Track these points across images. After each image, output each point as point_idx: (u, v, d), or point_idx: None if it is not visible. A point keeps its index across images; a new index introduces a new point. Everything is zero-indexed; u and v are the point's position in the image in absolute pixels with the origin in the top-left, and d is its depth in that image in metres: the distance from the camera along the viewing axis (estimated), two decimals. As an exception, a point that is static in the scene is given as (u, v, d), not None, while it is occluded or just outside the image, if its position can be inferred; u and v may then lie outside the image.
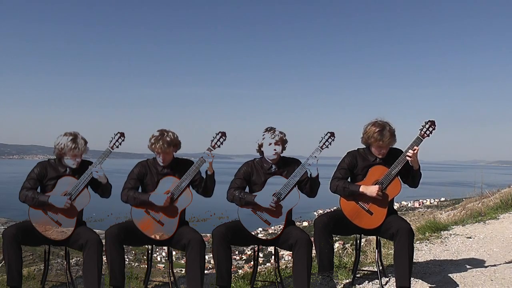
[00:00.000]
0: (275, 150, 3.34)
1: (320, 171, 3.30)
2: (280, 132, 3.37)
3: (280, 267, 3.46)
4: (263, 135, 3.37)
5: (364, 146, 3.53)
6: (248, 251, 17.19)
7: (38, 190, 3.39)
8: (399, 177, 3.39)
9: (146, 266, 3.50)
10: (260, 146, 3.40)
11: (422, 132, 3.35)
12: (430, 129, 3.36)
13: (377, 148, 3.40)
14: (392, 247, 3.40)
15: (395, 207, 3.67)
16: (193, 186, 3.38)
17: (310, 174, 3.28)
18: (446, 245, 5.07)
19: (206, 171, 3.33)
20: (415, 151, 3.31)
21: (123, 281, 3.24)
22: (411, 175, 3.43)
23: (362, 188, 3.33)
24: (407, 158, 3.31)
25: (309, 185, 3.32)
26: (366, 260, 4.51)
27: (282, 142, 3.38)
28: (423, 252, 4.76)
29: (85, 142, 3.36)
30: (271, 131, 3.36)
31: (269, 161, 3.39)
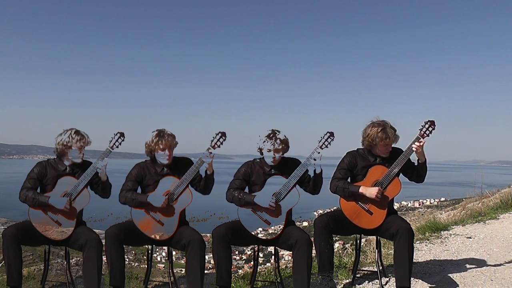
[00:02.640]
0: (273, 157, 3.31)
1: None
2: (282, 141, 3.29)
3: (280, 267, 3.46)
4: (264, 140, 3.30)
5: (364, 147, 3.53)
6: (248, 251, 17.19)
7: (38, 190, 3.39)
8: (399, 177, 3.39)
9: (146, 266, 3.50)
10: (260, 149, 3.37)
11: (422, 132, 3.35)
12: (430, 129, 3.36)
13: (384, 147, 3.38)
14: (392, 247, 3.40)
15: (395, 207, 3.67)
16: (192, 184, 3.37)
17: (314, 170, 3.28)
18: (446, 245, 5.07)
19: (206, 171, 3.33)
20: (421, 143, 3.31)
21: (123, 281, 3.23)
22: (416, 169, 3.43)
23: (361, 189, 3.33)
24: (413, 148, 3.31)
25: (312, 182, 3.32)
26: (366, 260, 4.51)
27: (283, 149, 3.34)
28: (423, 252, 4.76)
29: (87, 136, 3.42)
30: (273, 139, 3.28)
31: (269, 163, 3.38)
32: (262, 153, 3.39)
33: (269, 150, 3.30)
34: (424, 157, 3.37)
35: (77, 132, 3.37)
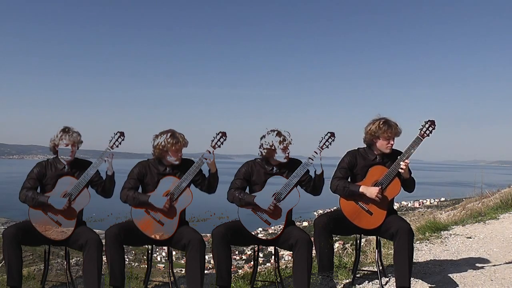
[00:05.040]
0: (287, 154, 3.33)
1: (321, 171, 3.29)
2: (288, 135, 3.34)
3: (280, 267, 3.46)
4: (275, 140, 3.30)
5: (365, 146, 3.53)
6: (248, 251, 17.19)
7: (38, 190, 3.39)
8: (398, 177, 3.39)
9: (146, 266, 3.50)
10: (273, 151, 3.34)
11: (422, 132, 3.35)
12: (430, 129, 3.36)
13: (387, 139, 3.37)
14: (392, 247, 3.40)
15: (395, 207, 3.67)
16: (195, 184, 3.38)
17: (315, 171, 3.28)
18: (446, 245, 5.07)
19: (209, 170, 3.33)
20: (406, 164, 3.30)
21: (123, 281, 3.24)
22: (405, 183, 3.42)
23: (362, 189, 3.32)
24: (400, 171, 3.31)
25: (313, 183, 3.32)
26: (366, 260, 4.51)
27: (289, 145, 3.37)
28: (423, 252, 4.76)
29: (78, 133, 3.44)
30: (281, 136, 3.31)
31: (272, 163, 3.37)
32: (267, 153, 3.34)
33: (284, 149, 3.32)
34: (408, 173, 3.37)
35: (63, 130, 3.40)
